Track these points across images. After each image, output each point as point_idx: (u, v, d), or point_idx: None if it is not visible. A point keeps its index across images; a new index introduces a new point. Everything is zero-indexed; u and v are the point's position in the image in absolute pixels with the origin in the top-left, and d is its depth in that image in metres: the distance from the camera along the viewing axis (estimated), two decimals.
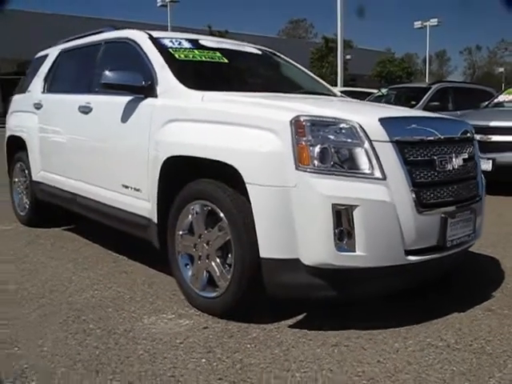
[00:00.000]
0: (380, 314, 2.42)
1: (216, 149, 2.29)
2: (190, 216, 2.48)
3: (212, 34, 23.49)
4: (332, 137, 2.12)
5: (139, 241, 3.18)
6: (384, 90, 8.80)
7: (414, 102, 8.03)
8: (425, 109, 7.29)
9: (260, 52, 3.62)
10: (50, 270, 3.09)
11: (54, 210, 4.15)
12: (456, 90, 8.59)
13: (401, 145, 2.19)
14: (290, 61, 3.80)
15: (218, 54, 3.19)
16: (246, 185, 2.15)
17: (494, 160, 5.54)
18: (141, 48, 3.03)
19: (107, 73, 2.82)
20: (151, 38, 3.10)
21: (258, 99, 2.54)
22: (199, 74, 3.00)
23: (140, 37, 3.12)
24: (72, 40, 4.09)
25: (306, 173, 2.07)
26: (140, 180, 2.79)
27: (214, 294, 2.39)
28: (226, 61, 3.18)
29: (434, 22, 29.91)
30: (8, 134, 4.46)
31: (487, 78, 46.24)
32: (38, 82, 4.13)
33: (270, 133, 2.15)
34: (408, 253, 2.18)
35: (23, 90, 4.44)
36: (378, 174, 2.11)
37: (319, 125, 2.12)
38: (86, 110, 3.28)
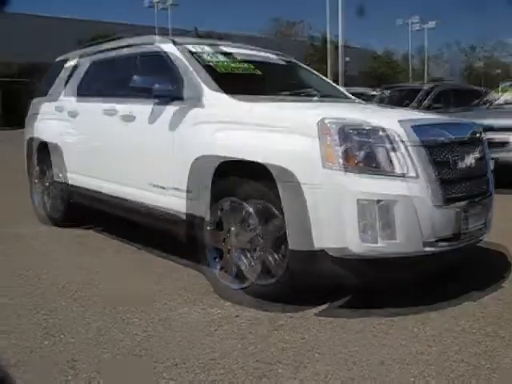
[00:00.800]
0: (398, 303, 2.58)
1: (246, 149, 2.46)
2: (219, 212, 2.64)
3: (199, 35, 23.50)
4: (354, 137, 2.28)
5: (163, 236, 3.36)
6: (387, 92, 8.97)
7: (414, 104, 8.21)
8: (427, 109, 7.48)
9: (283, 61, 3.79)
10: (75, 265, 3.23)
11: (77, 211, 4.29)
12: (455, 91, 8.78)
13: (427, 146, 2.36)
14: (306, 66, 3.98)
15: (251, 65, 3.32)
16: (277, 182, 2.31)
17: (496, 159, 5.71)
18: (166, 53, 3.18)
19: (135, 77, 2.98)
20: (175, 43, 3.26)
21: (280, 103, 2.73)
22: (223, 78, 3.15)
23: (165, 43, 3.27)
24: (91, 46, 4.24)
25: (332, 171, 2.23)
26: (167, 178, 2.95)
27: (243, 286, 2.54)
28: (259, 72, 3.32)
29: (432, 24, 30.34)
30: (29, 136, 4.60)
31: (484, 78, 46.47)
32: (59, 86, 4.28)
33: (298, 134, 2.32)
34: (428, 244, 2.35)
35: (43, 94, 4.58)
36: (398, 170, 2.28)
37: (344, 127, 2.28)
38: (110, 113, 3.43)
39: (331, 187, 2.24)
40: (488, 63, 55.81)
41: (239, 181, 2.54)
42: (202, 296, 2.70)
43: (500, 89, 6.80)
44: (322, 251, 2.29)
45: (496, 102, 6.40)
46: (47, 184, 4.40)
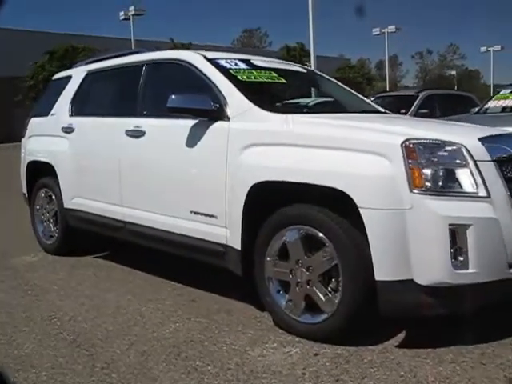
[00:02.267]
0: (470, 328, 2.47)
1: (320, 174, 2.27)
2: (283, 241, 2.46)
3: (175, 46, 23.15)
4: (440, 159, 2.16)
5: (183, 263, 3.13)
6: (372, 99, 8.99)
7: (403, 111, 8.28)
8: (415, 116, 7.54)
9: (304, 70, 3.64)
10: (112, 304, 2.95)
11: (85, 238, 4.01)
12: (441, 96, 8.93)
13: (499, 163, 2.27)
14: (328, 76, 3.84)
15: (274, 73, 3.18)
16: (360, 209, 2.15)
17: None
18: (198, 70, 2.97)
19: (173, 97, 2.74)
20: (207, 59, 3.05)
21: (346, 121, 2.56)
22: (265, 95, 2.97)
23: (196, 58, 3.05)
24: (97, 61, 3.96)
25: (420, 195, 2.10)
26: (215, 206, 2.73)
27: (317, 320, 2.36)
28: (284, 81, 3.18)
29: (392, 28, 31.21)
30: (29, 159, 4.24)
31: (439, 81, 48.37)
32: (64, 105, 3.96)
33: (380, 156, 2.17)
34: (510, 266, 2.25)
35: (43, 113, 4.24)
36: (483, 192, 2.17)
37: (428, 147, 2.16)
38: (136, 133, 3.17)
39: (420, 212, 2.11)
40: (442, 65, 58.23)
41: (309, 208, 2.36)
42: (266, 333, 2.50)
43: (500, 95, 6.92)
44: (411, 281, 2.15)
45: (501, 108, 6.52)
46: (54, 211, 4.05)
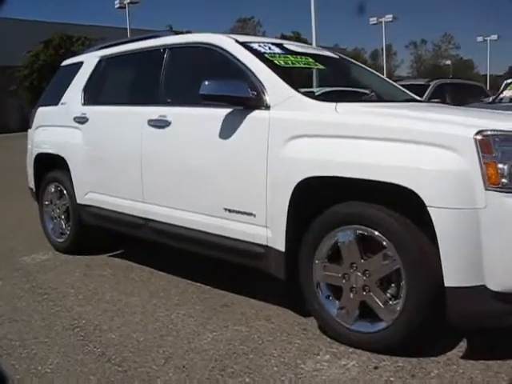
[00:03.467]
0: None
1: (381, 169, 2.04)
2: (335, 243, 2.23)
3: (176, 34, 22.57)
4: None
5: (207, 262, 2.90)
6: None
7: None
8: None
9: (336, 56, 3.39)
10: (137, 310, 2.71)
11: (98, 236, 3.77)
12: (452, 86, 8.72)
13: None
14: (359, 63, 3.59)
15: (310, 59, 2.94)
16: (429, 208, 1.92)
17: None
18: (231, 54, 2.71)
19: (206, 83, 2.49)
20: (240, 42, 2.79)
21: (403, 111, 2.33)
22: (305, 82, 2.73)
23: (227, 42, 2.79)
24: (111, 46, 3.67)
25: (496, 192, 1.88)
26: (253, 203, 2.49)
27: (374, 329, 2.15)
28: (322, 67, 2.94)
29: (389, 17, 30.81)
30: (37, 151, 3.96)
31: (434, 71, 48.18)
32: (75, 93, 3.68)
33: (448, 150, 1.93)
34: None
35: (51, 102, 3.95)
36: None
37: (505, 139, 1.94)
38: (160, 123, 2.91)
39: (495, 212, 1.88)
40: (436, 55, 58.04)
41: (366, 206, 2.13)
42: (315, 342, 2.28)
43: None
44: (483, 287, 1.93)
45: None
46: (65, 207, 3.79)
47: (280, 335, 2.37)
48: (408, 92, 3.44)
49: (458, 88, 8.81)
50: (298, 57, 2.87)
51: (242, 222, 2.55)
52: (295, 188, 2.27)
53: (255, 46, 2.81)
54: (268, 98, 2.48)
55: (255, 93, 2.50)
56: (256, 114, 2.48)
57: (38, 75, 22.35)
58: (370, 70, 3.51)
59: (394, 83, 3.48)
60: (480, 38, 37.72)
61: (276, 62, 2.68)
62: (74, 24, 25.51)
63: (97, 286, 3.12)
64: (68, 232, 3.78)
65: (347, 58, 3.48)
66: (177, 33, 3.24)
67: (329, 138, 2.24)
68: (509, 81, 10.96)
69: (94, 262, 3.59)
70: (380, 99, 2.90)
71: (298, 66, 2.78)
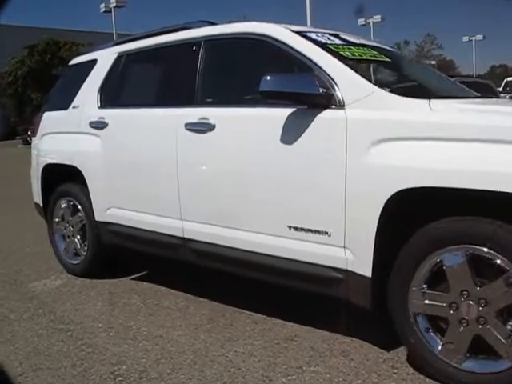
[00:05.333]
0: None
1: (496, 176, 1.65)
2: (438, 266, 1.85)
3: None
4: None
5: (247, 285, 2.54)
6: None
7: None
8: None
9: (390, 48, 3.03)
10: (185, 349, 2.28)
11: (119, 257, 3.34)
12: (460, 83, 8.49)
13: None
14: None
15: (374, 51, 2.56)
16: None
17: None
18: (287, 45, 2.31)
19: (268, 78, 2.09)
20: (296, 32, 2.40)
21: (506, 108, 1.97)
22: (379, 76, 2.35)
23: (281, 31, 2.39)
24: (130, 41, 3.24)
25: None
26: (327, 220, 2.10)
27: (492, 369, 1.77)
28: (388, 59, 2.57)
29: (377, 18, 30.79)
30: (45, 162, 3.50)
31: None
32: (90, 95, 3.24)
33: None
34: None
35: (60, 106, 3.50)
36: None
37: None
38: (201, 127, 2.50)
39: None
40: (420, 56, 58.60)
41: (481, 222, 1.76)
42: None
43: None
44: None
45: None
46: (80, 225, 3.34)
47: (368, 376, 1.97)
48: (466, 88, 3.10)
49: (466, 85, 8.59)
50: (361, 48, 2.49)
51: (312, 241, 2.15)
52: (387, 202, 1.89)
53: (313, 35, 2.42)
54: (341, 96, 2.08)
55: (324, 89, 2.11)
56: (327, 114, 2.09)
57: (23, 82, 21.58)
58: (424, 64, 3.15)
59: (450, 78, 3.13)
60: (466, 38, 38.07)
61: (342, 53, 2.30)
62: (59, 29, 24.77)
63: (127, 318, 2.68)
64: (84, 253, 3.33)
65: (399, 52, 3.13)
66: (211, 23, 2.83)
67: (426, 141, 1.85)
68: (509, 79, 10.77)
69: (118, 288, 3.15)
70: (451, 95, 2.54)
71: (365, 58, 2.40)
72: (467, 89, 3.03)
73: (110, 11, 23.28)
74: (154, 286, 3.15)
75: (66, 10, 65.78)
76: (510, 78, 8.05)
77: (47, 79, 22.99)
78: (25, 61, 22.22)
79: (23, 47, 22.82)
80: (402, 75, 2.60)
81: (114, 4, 22.89)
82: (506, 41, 69.82)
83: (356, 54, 2.37)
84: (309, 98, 2.10)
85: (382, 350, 2.17)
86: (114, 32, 22.67)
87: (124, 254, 3.33)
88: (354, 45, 2.53)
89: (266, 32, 2.43)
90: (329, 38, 2.46)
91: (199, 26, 2.83)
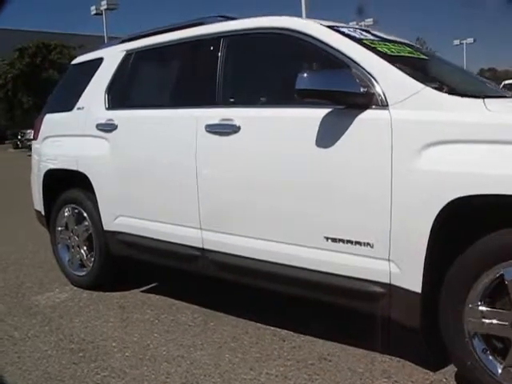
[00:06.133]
0: None
1: None
2: (499, 281, 1.68)
3: None
4: None
5: (267, 297, 2.36)
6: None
7: None
8: None
9: (419, 46, 2.88)
10: (211, 371, 2.07)
11: (129, 267, 3.15)
12: None
13: None
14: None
15: (409, 48, 2.40)
16: None
17: None
18: (320, 41, 2.13)
19: (305, 75, 1.92)
20: (328, 26, 2.23)
21: None
22: (421, 74, 2.17)
23: (312, 26, 2.21)
24: (139, 38, 3.04)
25: None
26: (370, 230, 1.93)
27: None
28: (425, 57, 2.41)
29: (369, 21, 30.81)
30: (47, 167, 3.28)
31: None
32: (96, 95, 3.03)
33: None
34: None
35: (63, 108, 3.29)
36: None
37: None
38: (225, 129, 2.31)
39: None
40: None
41: None
42: None
43: None
44: None
45: None
46: (87, 234, 3.13)
47: None
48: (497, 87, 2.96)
49: None
50: (396, 44, 2.33)
51: (351, 253, 1.97)
52: (440, 211, 1.72)
53: (345, 30, 2.26)
54: (383, 94, 1.92)
55: (365, 88, 1.94)
56: (369, 114, 1.92)
57: (13, 85, 21.17)
58: (454, 64, 3.01)
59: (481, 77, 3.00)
60: (457, 42, 38.27)
61: (380, 49, 2.13)
62: (49, 32, 24.36)
63: (143, 335, 2.48)
64: (91, 264, 3.12)
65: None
66: (228, 18, 2.64)
67: (486, 144, 1.69)
68: (508, 82, 10.71)
69: (128, 302, 2.94)
70: (497, 95, 2.39)
71: (403, 55, 2.24)
72: (500, 88, 2.89)
73: (101, 14, 22.88)
74: (167, 299, 2.95)
75: (57, 13, 64.98)
76: (508, 81, 7.96)
77: (38, 82, 22.66)
78: (15, 63, 21.82)
79: (13, 50, 22.41)
80: (442, 73, 2.44)
81: (105, 6, 22.47)
82: (496, 44, 70.72)
83: (393, 50, 2.20)
84: (349, 97, 1.93)
85: (426, 371, 2.00)
86: (105, 35, 22.30)
87: (132, 265, 3.14)
88: (388, 41, 2.37)
89: (294, 27, 2.25)
90: (361, 33, 2.29)
91: (215, 22, 2.65)
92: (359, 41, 2.14)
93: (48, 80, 22.84)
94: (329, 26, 2.23)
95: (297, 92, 1.94)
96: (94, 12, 23.10)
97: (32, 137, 3.72)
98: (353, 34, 2.22)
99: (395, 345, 2.14)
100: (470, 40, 37.28)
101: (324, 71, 2.01)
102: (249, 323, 2.54)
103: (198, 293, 2.99)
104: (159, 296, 3.01)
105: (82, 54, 3.52)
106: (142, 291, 3.11)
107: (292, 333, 2.41)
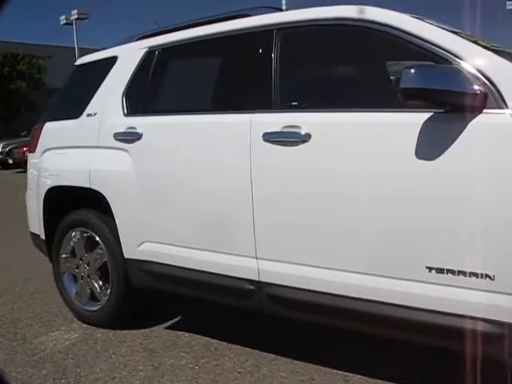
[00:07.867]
0: None
1: None
2: None
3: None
4: None
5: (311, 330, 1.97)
6: None
7: None
8: None
9: None
10: None
11: (150, 303, 2.71)
12: None
13: None
14: None
15: (479, 41, 2.10)
16: None
17: None
18: (410, 33, 1.77)
19: (412, 71, 1.57)
20: (411, 16, 1.89)
21: None
22: None
23: (398, 17, 1.85)
24: (164, 32, 2.61)
25: None
26: (492, 258, 1.58)
27: None
28: (510, 51, 2.11)
29: None
30: (49, 184, 2.78)
31: None
32: (111, 99, 2.58)
33: None
34: None
35: (67, 115, 2.82)
36: None
37: None
38: (289, 137, 1.92)
39: None
40: None
41: None
42: None
43: None
44: None
45: None
46: (100, 263, 2.64)
47: None
48: None
49: None
50: (476, 38, 2.02)
51: (464, 287, 1.63)
52: None
53: (428, 21, 1.93)
54: (500, 95, 1.60)
55: (477, 87, 1.61)
56: (486, 119, 1.59)
57: None
58: None
59: None
60: None
61: (481, 42, 1.81)
62: (16, 42, 23.07)
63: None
64: (105, 297, 2.64)
65: None
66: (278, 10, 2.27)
67: None
68: None
69: (155, 343, 2.47)
70: None
71: (497, 49, 1.92)
72: None
73: (72, 24, 21.85)
74: (201, 338, 2.50)
75: (25, 23, 62.39)
76: None
77: (6, 94, 21.49)
78: None
79: None
80: None
81: (76, 16, 21.49)
82: None
83: (486, 44, 1.89)
84: (462, 98, 1.59)
85: None
86: (76, 46, 21.26)
87: (155, 299, 2.70)
88: (465, 34, 2.06)
89: (374, 18, 1.87)
90: (446, 28, 1.97)
91: (263, 13, 2.27)
92: (455, 33, 1.82)
93: (15, 91, 21.74)
94: (411, 16, 1.90)
95: (402, 91, 1.58)
96: (64, 22, 22.05)
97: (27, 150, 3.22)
98: (441, 25, 1.90)
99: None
100: None
101: (432, 67, 1.67)
102: (310, 367, 2.14)
103: (236, 327, 2.58)
104: (190, 334, 2.56)
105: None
106: (166, 328, 2.66)
107: (361, 376, 2.05)
